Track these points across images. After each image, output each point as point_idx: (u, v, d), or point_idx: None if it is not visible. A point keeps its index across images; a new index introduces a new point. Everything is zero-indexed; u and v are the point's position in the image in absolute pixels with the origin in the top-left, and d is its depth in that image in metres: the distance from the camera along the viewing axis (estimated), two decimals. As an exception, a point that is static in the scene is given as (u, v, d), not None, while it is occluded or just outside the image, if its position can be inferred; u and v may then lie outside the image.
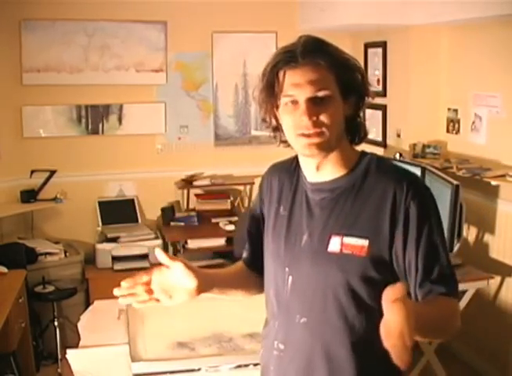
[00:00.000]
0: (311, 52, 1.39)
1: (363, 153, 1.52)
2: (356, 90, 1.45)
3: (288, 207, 1.54)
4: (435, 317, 1.36)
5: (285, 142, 1.50)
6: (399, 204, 1.40)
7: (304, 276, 1.48)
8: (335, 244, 1.43)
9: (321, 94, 1.38)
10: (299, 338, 1.48)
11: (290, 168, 1.58)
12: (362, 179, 1.46)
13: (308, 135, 1.40)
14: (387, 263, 1.42)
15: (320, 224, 1.47)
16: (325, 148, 1.42)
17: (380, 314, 1.39)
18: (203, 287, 1.47)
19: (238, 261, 1.73)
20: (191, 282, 1.43)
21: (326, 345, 1.45)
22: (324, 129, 1.40)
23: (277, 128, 1.50)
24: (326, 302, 1.44)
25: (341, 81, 1.41)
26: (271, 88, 1.42)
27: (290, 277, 1.49)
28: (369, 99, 1.49)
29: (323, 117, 1.39)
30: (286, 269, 1.50)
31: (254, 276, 1.67)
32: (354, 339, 1.43)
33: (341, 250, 1.42)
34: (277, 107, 1.44)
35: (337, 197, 1.46)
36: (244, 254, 1.72)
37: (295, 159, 1.57)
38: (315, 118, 1.39)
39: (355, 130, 1.50)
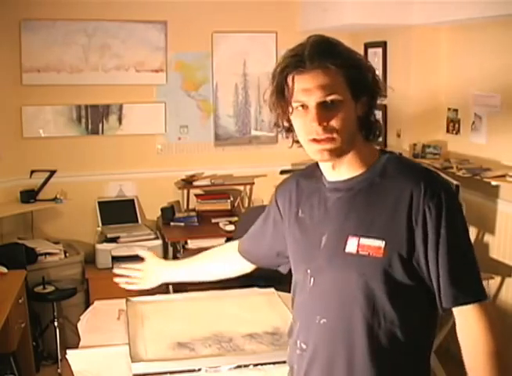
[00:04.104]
0: (320, 55, 1.38)
1: (382, 152, 1.50)
2: (367, 90, 1.44)
3: (307, 210, 1.55)
4: (491, 359, 1.36)
5: (298, 141, 1.50)
6: (416, 206, 1.37)
7: (324, 277, 1.47)
8: (352, 245, 1.42)
9: (330, 98, 1.37)
10: (319, 338, 1.48)
11: (312, 172, 1.58)
12: (380, 179, 1.43)
13: (319, 141, 1.39)
14: (406, 265, 1.39)
15: (337, 225, 1.46)
16: (336, 153, 1.41)
17: (401, 317, 1.41)
18: (156, 268, 2.12)
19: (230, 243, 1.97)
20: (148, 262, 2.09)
21: (347, 347, 1.44)
22: (335, 135, 1.38)
23: (290, 130, 1.50)
24: (345, 303, 1.44)
25: (352, 83, 1.40)
26: (281, 91, 1.42)
27: (312, 279, 1.50)
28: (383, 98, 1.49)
29: (334, 122, 1.38)
30: (308, 270, 1.51)
31: (239, 260, 1.88)
32: (372, 341, 1.41)
33: (358, 251, 1.41)
34: (289, 111, 1.44)
35: (354, 196, 1.45)
36: (241, 246, 1.87)
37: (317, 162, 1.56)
38: (325, 124, 1.38)
39: (368, 128, 1.48)
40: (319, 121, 1.37)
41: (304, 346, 1.52)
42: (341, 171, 1.47)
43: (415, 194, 1.37)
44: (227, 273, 2.02)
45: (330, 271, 1.46)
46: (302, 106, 1.39)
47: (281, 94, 1.41)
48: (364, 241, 1.40)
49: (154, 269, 2.11)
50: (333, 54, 1.39)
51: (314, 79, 1.37)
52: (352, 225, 1.43)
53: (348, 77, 1.39)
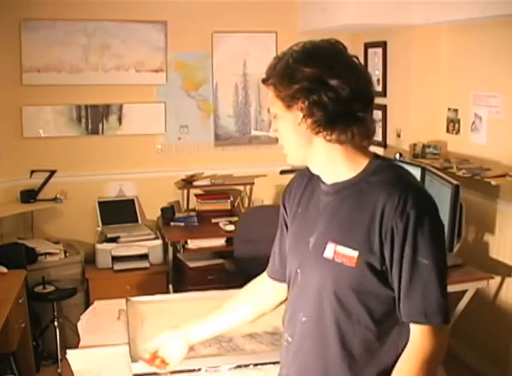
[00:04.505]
0: (268, 70, 1.46)
1: (375, 157, 1.48)
2: (297, 97, 1.41)
3: (304, 210, 1.57)
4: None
5: None
6: (386, 220, 1.36)
7: (308, 277, 1.51)
8: (330, 251, 1.44)
9: (271, 112, 1.48)
10: (301, 334, 1.53)
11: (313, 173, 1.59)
12: (366, 185, 1.43)
13: None
14: (379, 275, 1.40)
15: (324, 228, 1.48)
16: (293, 160, 1.50)
17: (374, 324, 1.43)
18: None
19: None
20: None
21: (322, 347, 1.47)
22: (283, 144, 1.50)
23: None
24: (321, 306, 1.47)
25: (281, 95, 1.43)
26: None
27: (300, 276, 1.54)
28: (326, 99, 1.39)
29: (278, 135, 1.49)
30: (298, 269, 1.54)
31: (270, 284, 1.76)
32: (345, 346, 1.44)
33: (333, 258, 1.43)
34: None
35: (340, 201, 1.46)
36: (268, 268, 1.78)
37: None
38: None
39: (331, 131, 1.42)
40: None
41: (290, 339, 1.58)
42: (329, 175, 1.49)
43: (387, 208, 1.37)
44: (265, 307, 1.80)
45: (312, 272, 1.49)
46: None
47: None
48: (340, 249, 1.42)
49: (175, 341, 1.81)
50: (271, 68, 1.45)
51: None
52: (333, 230, 1.45)
53: (277, 90, 1.44)
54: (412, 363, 1.38)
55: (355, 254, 1.39)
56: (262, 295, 1.79)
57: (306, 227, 1.53)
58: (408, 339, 1.42)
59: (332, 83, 1.37)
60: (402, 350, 1.42)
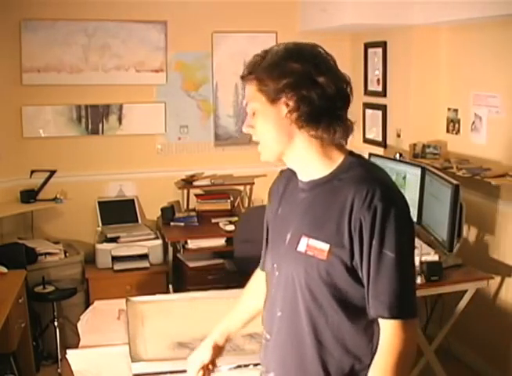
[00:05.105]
0: (248, 67, 1.50)
1: (350, 154, 1.51)
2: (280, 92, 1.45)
3: (284, 207, 1.61)
4: (384, 371, 1.39)
5: None
6: (355, 214, 1.39)
7: (283, 272, 1.54)
8: (303, 245, 1.47)
9: (248, 109, 1.50)
10: (277, 330, 1.56)
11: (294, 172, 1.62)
12: (338, 182, 1.46)
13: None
14: (348, 269, 1.42)
15: (298, 223, 1.52)
16: (268, 157, 1.53)
17: (345, 316, 1.45)
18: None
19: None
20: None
21: (298, 340, 1.51)
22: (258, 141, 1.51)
23: None
24: (296, 299, 1.50)
25: (267, 89, 1.45)
26: None
27: (277, 273, 1.57)
28: (313, 95, 1.43)
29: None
30: (275, 265, 1.58)
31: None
32: (318, 338, 1.47)
33: (306, 251, 1.46)
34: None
35: (314, 198, 1.50)
36: (261, 263, 1.81)
37: None
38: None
39: (313, 127, 1.45)
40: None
41: (268, 336, 1.61)
42: (306, 172, 1.52)
43: (356, 202, 1.39)
44: None
45: (286, 267, 1.53)
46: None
47: None
48: (312, 242, 1.45)
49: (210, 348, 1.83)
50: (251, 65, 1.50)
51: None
52: (306, 225, 1.48)
53: (259, 84, 1.47)
54: (385, 358, 1.40)
55: (325, 247, 1.42)
56: (262, 288, 1.79)
57: (284, 224, 1.57)
58: (377, 331, 1.44)
59: (319, 80, 1.42)
60: (377, 344, 1.44)
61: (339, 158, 1.49)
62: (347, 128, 1.48)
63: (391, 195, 1.42)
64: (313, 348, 1.47)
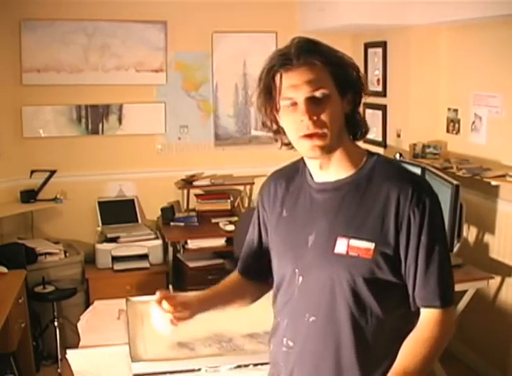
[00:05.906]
0: (305, 52, 1.40)
1: (370, 154, 1.53)
2: (352, 86, 1.46)
3: (290, 210, 1.56)
4: (426, 356, 1.42)
5: (287, 144, 1.52)
6: (402, 210, 1.42)
7: (312, 275, 1.49)
8: (341, 246, 1.45)
9: (319, 93, 1.39)
10: (308, 336, 1.51)
11: (295, 172, 1.60)
12: (368, 181, 1.47)
13: (311, 136, 1.41)
14: (392, 264, 1.44)
15: (326, 225, 1.48)
16: (326, 150, 1.44)
17: (386, 314, 1.45)
18: (196, 314, 1.58)
19: (234, 270, 1.76)
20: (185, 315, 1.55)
21: (335, 343, 1.47)
22: (326, 130, 1.41)
23: (278, 131, 1.51)
24: (334, 302, 1.46)
25: (337, 79, 1.42)
26: (268, 91, 1.44)
27: (301, 277, 1.51)
28: (366, 96, 1.51)
29: (323, 117, 1.40)
30: (296, 270, 1.52)
31: (249, 284, 1.72)
32: (359, 338, 1.45)
33: (347, 252, 1.44)
34: (277, 111, 1.45)
35: (342, 197, 1.48)
36: (239, 264, 1.75)
37: (300, 161, 1.59)
38: (315, 118, 1.39)
39: (355, 126, 1.51)
40: (309, 115, 1.39)
41: (291, 344, 1.54)
42: (329, 171, 1.50)
43: (402, 199, 1.42)
44: (246, 303, 1.75)
45: (319, 270, 1.48)
46: (291, 104, 1.41)
47: (269, 93, 1.44)
48: (354, 243, 1.44)
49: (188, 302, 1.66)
50: (317, 52, 1.42)
51: (301, 75, 1.39)
52: (341, 226, 1.46)
53: (333, 73, 1.42)
54: (434, 343, 1.43)
55: (371, 245, 1.42)
56: (245, 294, 1.73)
57: (299, 227, 1.53)
58: (412, 323, 1.46)
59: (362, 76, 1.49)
60: (405, 336, 1.45)
61: (362, 157, 1.50)
62: (367, 128, 1.54)
63: (432, 190, 1.48)
64: (352, 352, 1.46)
